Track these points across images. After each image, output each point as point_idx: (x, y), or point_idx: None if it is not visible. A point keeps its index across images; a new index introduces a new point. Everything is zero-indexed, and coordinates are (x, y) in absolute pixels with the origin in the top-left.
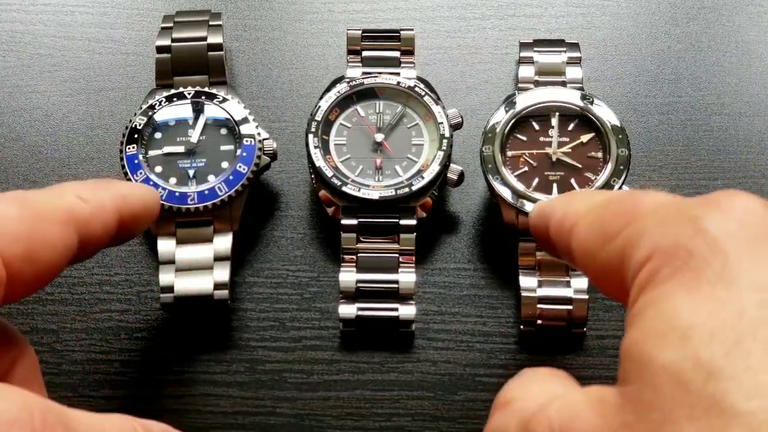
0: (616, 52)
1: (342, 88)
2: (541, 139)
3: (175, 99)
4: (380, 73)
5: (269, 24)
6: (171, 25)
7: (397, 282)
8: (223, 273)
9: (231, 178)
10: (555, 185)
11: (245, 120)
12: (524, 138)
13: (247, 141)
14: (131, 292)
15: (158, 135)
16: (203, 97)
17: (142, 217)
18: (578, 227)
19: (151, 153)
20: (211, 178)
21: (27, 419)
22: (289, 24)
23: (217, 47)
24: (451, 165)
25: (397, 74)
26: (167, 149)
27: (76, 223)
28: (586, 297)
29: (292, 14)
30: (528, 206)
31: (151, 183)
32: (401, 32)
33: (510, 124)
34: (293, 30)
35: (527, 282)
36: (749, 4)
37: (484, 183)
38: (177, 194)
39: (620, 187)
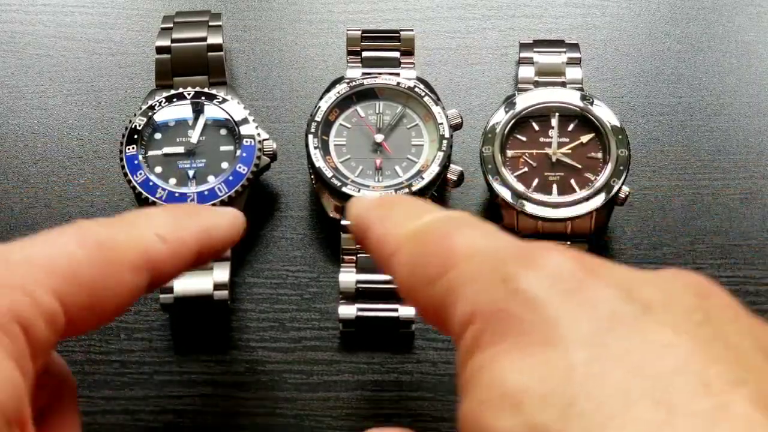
0: (616, 53)
1: (342, 88)
2: (541, 139)
3: (174, 99)
4: (380, 73)
5: (269, 24)
6: (171, 25)
7: None
8: (222, 273)
9: (231, 178)
10: (555, 186)
11: (245, 120)
12: (524, 138)
13: (246, 141)
14: None
15: (158, 135)
16: (203, 98)
17: (223, 250)
18: (398, 258)
19: (151, 153)
20: (210, 178)
21: None
22: (289, 24)
23: (217, 48)
24: (451, 165)
25: (397, 75)
26: (167, 150)
27: (150, 268)
28: None
29: (292, 15)
30: (528, 207)
31: (151, 183)
32: (401, 33)
33: (510, 125)
34: (293, 30)
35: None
36: (749, 5)
37: (484, 183)
38: (177, 195)
39: (619, 188)
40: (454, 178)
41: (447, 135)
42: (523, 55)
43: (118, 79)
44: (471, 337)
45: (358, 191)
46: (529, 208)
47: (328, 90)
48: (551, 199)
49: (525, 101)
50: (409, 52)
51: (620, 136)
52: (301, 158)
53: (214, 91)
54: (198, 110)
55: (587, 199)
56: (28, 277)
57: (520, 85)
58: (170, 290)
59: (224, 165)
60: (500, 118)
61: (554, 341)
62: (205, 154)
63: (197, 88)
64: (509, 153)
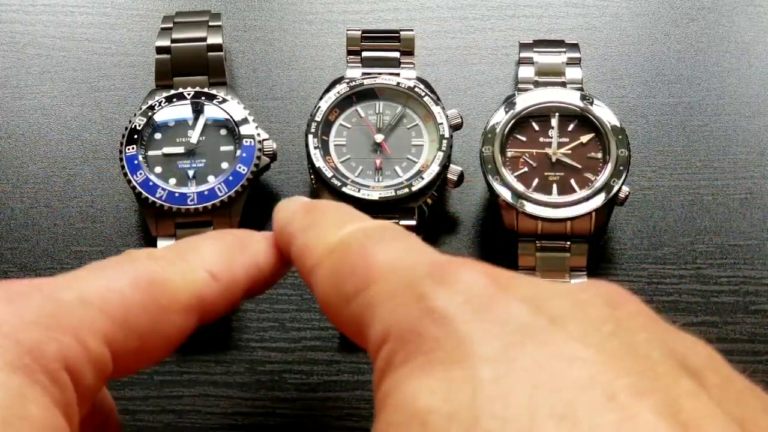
0: (616, 53)
1: (342, 88)
2: (541, 139)
3: (174, 99)
4: (380, 73)
5: (269, 24)
6: (171, 25)
7: None
8: None
9: (231, 178)
10: (555, 186)
11: (245, 120)
12: (524, 138)
13: (246, 142)
14: None
15: (158, 135)
16: (203, 98)
17: (273, 283)
18: (317, 274)
19: (151, 153)
20: (210, 178)
21: None
22: (289, 24)
23: (217, 48)
24: (451, 165)
25: (397, 75)
26: (167, 150)
27: (200, 309)
28: None
29: (291, 15)
30: (528, 207)
31: (151, 183)
32: (401, 33)
33: (510, 125)
34: (293, 30)
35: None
36: (749, 5)
37: (484, 184)
38: (177, 195)
39: (619, 188)
40: (454, 178)
41: (447, 135)
42: (523, 55)
43: (118, 79)
44: (384, 357)
45: (358, 191)
46: (529, 208)
47: (328, 90)
48: (551, 199)
49: (525, 101)
50: (409, 52)
51: (620, 136)
52: (301, 158)
53: (214, 91)
54: (198, 110)
55: (587, 199)
56: (80, 320)
57: (520, 85)
58: None
59: (224, 165)
60: (500, 118)
61: (462, 359)
62: (205, 154)
63: (197, 88)
64: (509, 153)
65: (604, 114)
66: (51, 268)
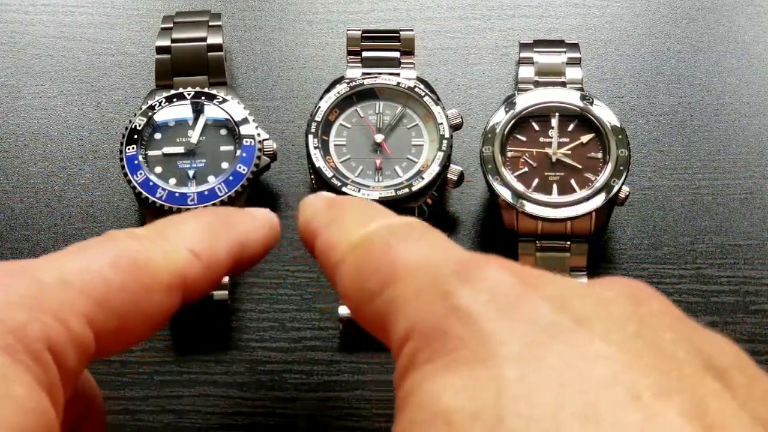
0: (616, 53)
1: (342, 88)
2: (541, 139)
3: (174, 99)
4: (380, 73)
5: (269, 24)
6: (171, 25)
7: None
8: None
9: (231, 178)
10: (555, 186)
11: (245, 120)
12: (524, 138)
13: (246, 141)
14: None
15: (158, 135)
16: (203, 98)
17: (257, 262)
18: (341, 270)
19: (151, 153)
20: (210, 178)
21: None
22: (289, 24)
23: (217, 48)
24: (451, 165)
25: (397, 75)
26: (167, 150)
27: (183, 288)
28: None
29: (292, 15)
30: (528, 207)
31: (151, 183)
32: (401, 33)
33: (510, 125)
34: (293, 30)
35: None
36: (749, 5)
37: (484, 184)
38: (177, 195)
39: (620, 188)
40: (454, 178)
41: (447, 135)
42: (523, 55)
43: (118, 79)
44: (407, 355)
45: (358, 191)
46: (529, 208)
47: (328, 90)
48: (551, 199)
49: (525, 101)
50: (409, 52)
51: (620, 136)
52: (301, 158)
53: (214, 91)
54: (198, 110)
55: (587, 199)
56: (61, 302)
57: (520, 85)
58: None
59: (224, 165)
60: (500, 118)
61: (487, 358)
62: (205, 154)
63: (197, 88)
64: (509, 153)
65: (604, 114)
66: None
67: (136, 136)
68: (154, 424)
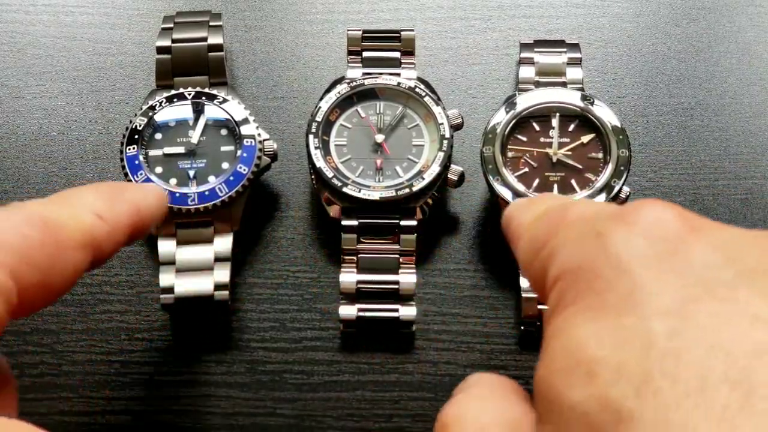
0: (616, 53)
1: (342, 88)
2: (542, 139)
3: (175, 100)
4: (381, 73)
5: (270, 24)
6: (171, 25)
7: (397, 283)
8: (223, 274)
9: (231, 178)
10: (555, 186)
11: (245, 121)
12: (525, 139)
13: (247, 142)
14: (131, 293)
15: (158, 136)
16: (203, 98)
17: (150, 227)
18: (522, 241)
19: (152, 153)
20: (211, 178)
21: None
22: (290, 24)
23: (218, 48)
24: (452, 166)
25: (398, 75)
26: (167, 150)
27: (92, 246)
28: None
29: (292, 15)
30: None
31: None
32: (401, 33)
33: (510, 125)
34: (293, 30)
35: (528, 283)
36: (749, 5)
37: (485, 184)
38: (177, 195)
39: (620, 189)
40: (455, 178)
41: (447, 135)
42: (523, 55)
43: (119, 79)
44: (555, 297)
45: (359, 191)
46: None
47: (328, 90)
48: None
49: (525, 101)
50: (409, 52)
51: (621, 137)
52: (302, 158)
53: (214, 92)
54: (198, 110)
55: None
56: None
57: (520, 86)
58: (171, 291)
59: (225, 165)
60: (501, 118)
61: (635, 307)
62: (206, 154)
63: (198, 89)
64: (510, 153)
65: (605, 114)
66: None
67: (136, 137)
68: (155, 425)
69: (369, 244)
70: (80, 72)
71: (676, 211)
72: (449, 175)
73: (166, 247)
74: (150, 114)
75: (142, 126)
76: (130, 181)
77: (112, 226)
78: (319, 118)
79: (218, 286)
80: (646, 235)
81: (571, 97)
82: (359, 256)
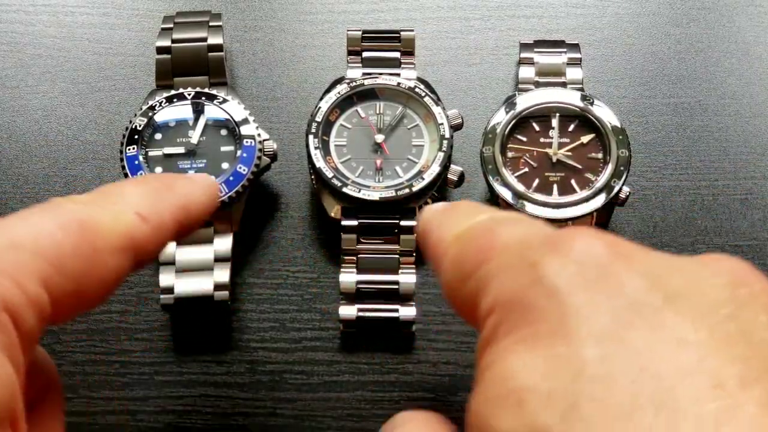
0: (617, 53)
1: (342, 88)
2: (542, 140)
3: (175, 100)
4: (380, 73)
5: (269, 25)
6: (171, 26)
7: (397, 283)
8: (223, 274)
9: (231, 179)
10: (555, 186)
11: (245, 121)
12: (524, 139)
13: (247, 142)
14: (131, 293)
15: (158, 136)
16: (203, 98)
17: (200, 224)
18: (444, 260)
19: (152, 154)
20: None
21: None
22: (289, 25)
23: (218, 48)
24: (452, 166)
25: (398, 75)
26: (167, 150)
27: (133, 250)
28: None
29: (292, 15)
30: (529, 207)
31: None
32: (401, 33)
33: (510, 125)
34: (293, 31)
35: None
36: (749, 5)
37: (485, 184)
38: None
39: (620, 189)
40: (455, 178)
41: (447, 135)
42: (523, 55)
43: (119, 79)
44: (489, 328)
45: (359, 191)
46: (530, 208)
47: (328, 90)
48: (552, 199)
49: (525, 101)
50: (409, 53)
51: (621, 137)
52: (302, 159)
53: (214, 92)
54: (198, 110)
55: (588, 199)
56: (15, 263)
57: (520, 86)
58: (171, 291)
59: (225, 165)
60: (501, 118)
61: (567, 334)
62: (206, 154)
63: (197, 89)
64: (510, 153)
65: (605, 114)
66: None
67: (136, 137)
68: (155, 425)
69: (369, 244)
70: (80, 72)
71: (605, 240)
72: (449, 176)
73: (165, 247)
74: (150, 114)
75: (142, 126)
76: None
77: (155, 226)
78: (319, 118)
79: (218, 287)
80: (578, 263)
81: (571, 98)
82: (359, 256)
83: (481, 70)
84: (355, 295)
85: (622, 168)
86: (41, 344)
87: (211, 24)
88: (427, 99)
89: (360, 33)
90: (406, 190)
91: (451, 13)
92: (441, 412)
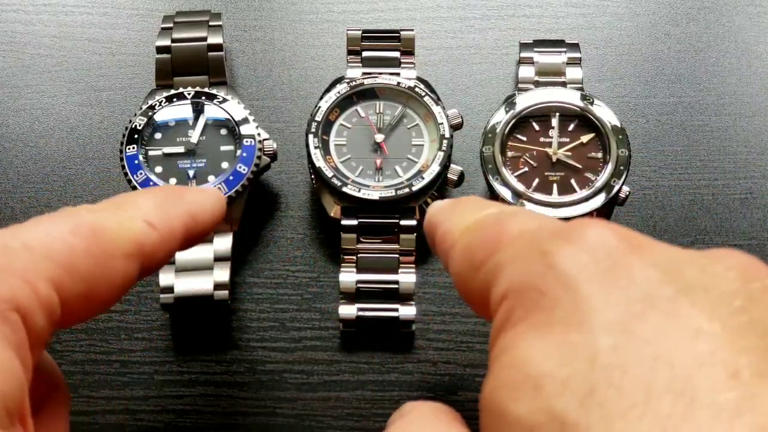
0: (616, 53)
1: (342, 88)
2: (542, 139)
3: (175, 99)
4: (380, 73)
5: (269, 24)
6: (171, 25)
7: (397, 282)
8: (223, 273)
9: (231, 178)
10: (555, 185)
11: (245, 120)
12: (524, 138)
13: (247, 141)
14: (131, 292)
15: (158, 135)
16: (203, 98)
17: (208, 233)
18: (453, 251)
19: (151, 153)
20: (211, 178)
21: None
22: (289, 24)
23: (217, 47)
24: (451, 165)
25: (397, 74)
26: (167, 149)
27: (141, 256)
28: None
29: (292, 14)
30: (528, 207)
31: (151, 183)
32: (401, 32)
33: (510, 125)
34: (293, 30)
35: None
36: (749, 5)
37: (484, 183)
38: None
39: (620, 188)
40: (455, 178)
41: (447, 135)
42: (523, 54)
43: (118, 79)
44: (502, 315)
45: (359, 191)
46: (530, 207)
47: (328, 90)
48: (551, 199)
49: (525, 101)
50: (409, 52)
51: (620, 136)
52: (302, 158)
53: (214, 91)
54: (198, 110)
55: (587, 199)
56: (27, 265)
57: (520, 85)
58: (170, 290)
59: (224, 165)
60: (500, 117)
61: (582, 323)
62: (206, 153)
63: (197, 88)
64: (509, 153)
65: (605, 114)
66: None
67: (136, 136)
68: (155, 424)
69: (368, 243)
70: (80, 72)
71: (617, 231)
72: (449, 175)
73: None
74: (150, 114)
75: (142, 126)
76: (130, 180)
77: (164, 233)
78: (318, 117)
79: (218, 286)
80: (590, 253)
81: (571, 97)
82: (359, 255)
83: (480, 70)
84: (355, 295)
85: (621, 167)
86: None
87: (210, 23)
88: (426, 98)
89: (360, 32)
90: (406, 190)
91: (450, 12)
92: None
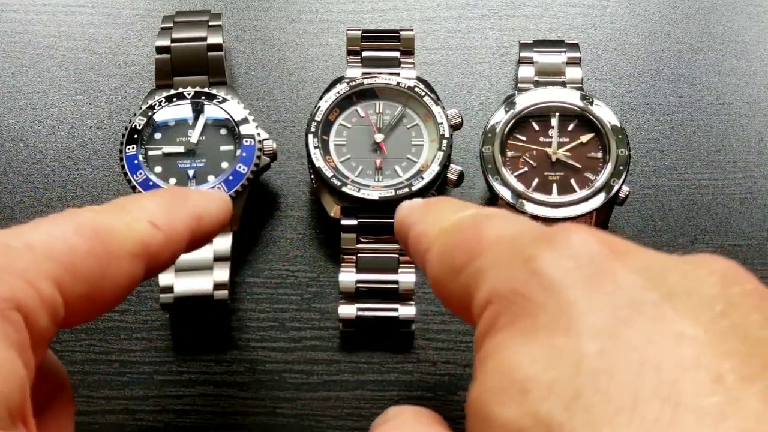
0: (616, 53)
1: (342, 88)
2: (541, 139)
3: (174, 99)
4: (380, 73)
5: (269, 24)
6: (171, 25)
7: (396, 282)
8: (222, 273)
9: (231, 178)
10: (555, 185)
11: (245, 120)
12: (524, 138)
13: (246, 141)
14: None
15: (158, 135)
16: (203, 98)
17: (213, 235)
18: (430, 254)
19: (151, 153)
20: (210, 178)
21: None
22: (289, 24)
23: (217, 47)
24: (451, 165)
25: (397, 74)
26: (167, 149)
27: (146, 257)
28: None
29: (292, 14)
30: (528, 207)
31: (151, 183)
32: (401, 32)
33: (510, 125)
34: (293, 30)
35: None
36: (749, 5)
37: (484, 183)
38: None
39: (620, 188)
40: (454, 177)
41: (447, 135)
42: (523, 54)
43: (118, 79)
44: (487, 320)
45: (358, 191)
46: (529, 208)
47: (328, 90)
48: (551, 198)
49: (525, 101)
50: (409, 52)
51: (620, 136)
52: (301, 158)
53: (214, 91)
54: (198, 110)
55: (587, 199)
56: (29, 264)
57: (520, 85)
58: (170, 290)
59: (224, 165)
60: (500, 117)
61: (567, 328)
62: (205, 153)
63: (197, 88)
64: (509, 153)
65: (604, 114)
66: None
67: (136, 136)
68: (155, 424)
69: (368, 243)
70: (80, 72)
71: (600, 237)
72: (449, 175)
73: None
74: (149, 113)
75: (142, 125)
76: (130, 180)
77: (168, 234)
78: (318, 117)
79: (217, 286)
80: (574, 258)
81: (571, 97)
82: (358, 255)
83: (480, 70)
84: (355, 295)
85: (621, 167)
86: None
87: (210, 23)
88: (426, 98)
89: (360, 32)
90: (406, 190)
91: (450, 12)
92: (440, 411)
